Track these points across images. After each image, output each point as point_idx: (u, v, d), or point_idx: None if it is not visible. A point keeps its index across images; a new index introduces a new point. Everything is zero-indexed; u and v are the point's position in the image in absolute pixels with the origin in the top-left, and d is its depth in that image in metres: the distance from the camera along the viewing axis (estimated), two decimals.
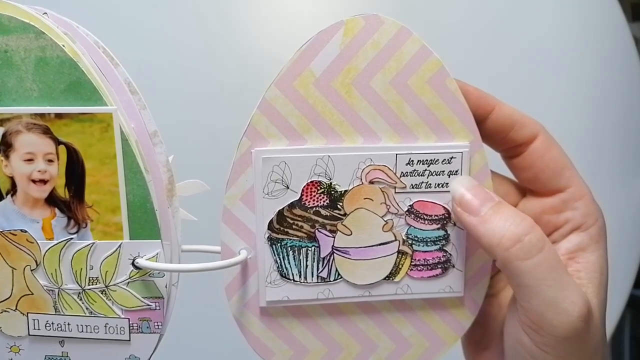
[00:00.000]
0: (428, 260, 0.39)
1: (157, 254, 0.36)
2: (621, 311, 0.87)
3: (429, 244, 0.38)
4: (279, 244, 0.37)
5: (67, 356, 0.38)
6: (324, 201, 0.37)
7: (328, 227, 0.37)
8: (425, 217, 0.38)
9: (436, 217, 0.38)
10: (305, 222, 0.37)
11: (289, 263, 0.38)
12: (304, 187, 0.37)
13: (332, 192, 0.37)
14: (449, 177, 0.37)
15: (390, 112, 0.36)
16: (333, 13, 0.65)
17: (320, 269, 0.38)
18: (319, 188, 0.37)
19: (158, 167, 0.37)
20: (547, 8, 0.77)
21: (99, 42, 0.36)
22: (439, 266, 0.39)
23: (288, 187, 0.37)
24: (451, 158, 0.37)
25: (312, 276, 0.38)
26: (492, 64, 0.74)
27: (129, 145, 0.35)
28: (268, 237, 0.37)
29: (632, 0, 1.27)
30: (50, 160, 0.35)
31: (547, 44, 0.76)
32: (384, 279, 0.38)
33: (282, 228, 0.37)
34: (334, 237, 0.38)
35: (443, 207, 0.38)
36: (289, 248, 0.38)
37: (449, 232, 0.38)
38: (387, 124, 0.37)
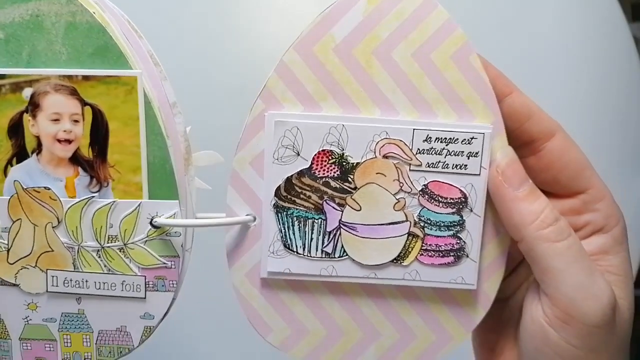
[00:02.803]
0: (440, 246, 0.37)
1: (174, 214, 0.37)
2: None
3: (442, 229, 0.37)
4: (284, 213, 0.37)
5: (84, 313, 0.39)
6: (334, 172, 0.36)
7: (337, 200, 0.36)
8: (440, 199, 0.36)
9: (452, 201, 0.36)
10: (314, 193, 0.36)
11: (294, 234, 0.37)
12: (315, 155, 0.36)
13: (344, 163, 0.36)
14: (469, 158, 0.36)
15: (410, 86, 0.35)
16: None
17: (326, 244, 0.37)
18: (330, 158, 0.36)
19: (177, 136, 0.38)
20: (547, 8, 0.76)
21: (124, 15, 0.38)
22: (452, 254, 0.37)
23: (299, 154, 0.36)
24: (472, 138, 0.35)
25: (317, 250, 0.37)
26: (491, 63, 0.74)
27: (151, 109, 0.36)
28: (274, 205, 0.37)
29: (632, 0, 1.27)
30: (76, 121, 0.37)
31: (546, 44, 0.75)
32: (392, 261, 0.37)
33: (289, 196, 0.36)
34: (342, 211, 0.36)
35: (460, 190, 0.36)
36: (295, 218, 0.37)
37: (464, 218, 0.36)
38: (407, 98, 0.35)
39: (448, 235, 0.37)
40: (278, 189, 0.37)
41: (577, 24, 0.78)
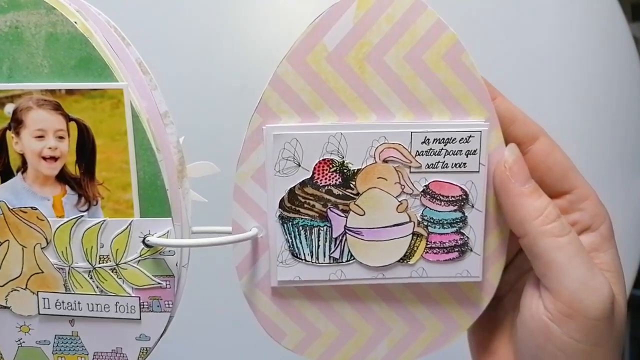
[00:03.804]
0: (444, 243, 0.37)
1: (167, 232, 0.36)
2: None
3: (445, 226, 0.37)
4: (290, 223, 0.37)
5: (78, 335, 0.38)
6: (336, 180, 0.36)
7: (340, 207, 0.37)
8: (442, 198, 0.37)
9: (453, 199, 0.37)
10: (317, 201, 0.37)
11: (301, 243, 0.37)
12: (316, 165, 0.36)
13: (345, 170, 0.36)
14: (467, 157, 0.36)
15: (404, 88, 0.36)
16: None
17: (332, 250, 0.37)
18: (331, 166, 0.36)
19: (169, 147, 0.37)
20: (548, 8, 0.77)
21: (110, 22, 0.37)
22: (456, 249, 0.38)
23: (299, 165, 0.36)
24: (469, 137, 0.36)
25: (324, 256, 0.37)
26: (492, 64, 0.73)
27: (139, 122, 0.35)
28: (279, 216, 0.37)
29: (632, 0, 1.27)
30: (61, 137, 0.35)
31: (547, 44, 0.76)
32: (399, 261, 0.38)
33: (293, 207, 0.37)
34: (347, 217, 0.37)
35: (460, 188, 0.37)
36: (301, 227, 0.37)
37: (466, 214, 0.37)
38: (401, 101, 0.36)
39: (451, 232, 0.38)
40: (282, 200, 0.37)
41: (577, 24, 0.79)
